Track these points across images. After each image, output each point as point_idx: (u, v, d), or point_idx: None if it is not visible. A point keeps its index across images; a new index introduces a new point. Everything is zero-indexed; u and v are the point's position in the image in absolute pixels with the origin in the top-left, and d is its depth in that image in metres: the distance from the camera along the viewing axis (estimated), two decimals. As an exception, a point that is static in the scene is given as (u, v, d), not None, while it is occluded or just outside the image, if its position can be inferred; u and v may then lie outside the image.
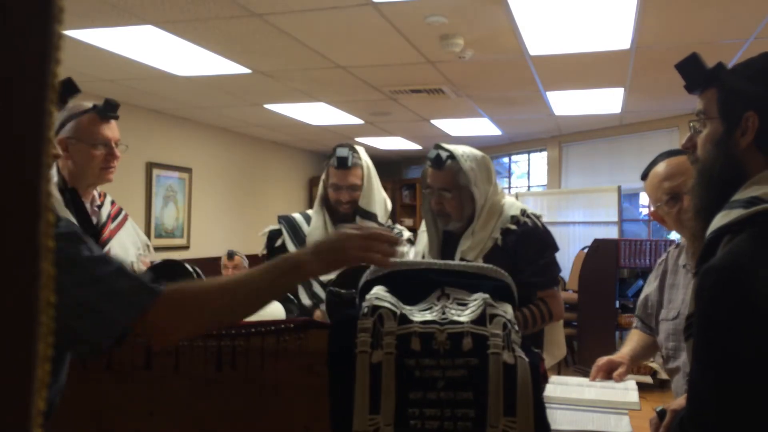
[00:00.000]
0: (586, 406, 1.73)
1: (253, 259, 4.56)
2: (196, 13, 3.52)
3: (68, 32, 3.83)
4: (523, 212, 2.15)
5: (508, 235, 2.11)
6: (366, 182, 2.29)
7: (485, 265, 1.11)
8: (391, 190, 9.71)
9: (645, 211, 7.68)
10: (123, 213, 2.11)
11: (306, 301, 2.22)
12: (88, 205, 1.98)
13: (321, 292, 2.16)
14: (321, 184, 2.37)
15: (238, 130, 7.68)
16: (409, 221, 9.68)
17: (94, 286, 0.94)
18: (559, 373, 3.50)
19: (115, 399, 1.08)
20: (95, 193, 2.03)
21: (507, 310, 1.01)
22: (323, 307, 1.86)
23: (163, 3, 3.36)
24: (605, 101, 5.88)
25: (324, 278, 2.11)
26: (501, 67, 4.73)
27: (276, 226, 2.37)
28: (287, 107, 6.22)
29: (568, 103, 5.98)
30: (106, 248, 1.96)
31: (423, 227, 2.34)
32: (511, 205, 2.18)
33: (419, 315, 1.00)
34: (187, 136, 7.00)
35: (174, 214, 6.76)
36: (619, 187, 7.12)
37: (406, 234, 2.41)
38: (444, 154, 2.14)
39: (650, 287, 2.06)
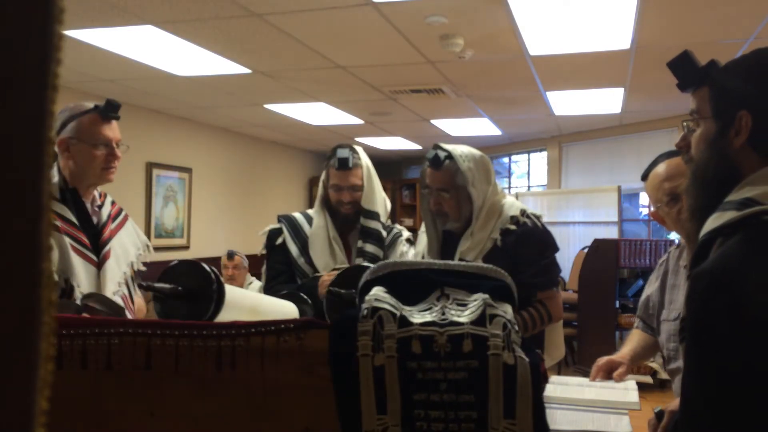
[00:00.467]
0: (586, 406, 1.73)
1: (253, 258, 4.56)
2: (196, 13, 3.52)
3: (68, 32, 3.83)
4: (523, 212, 2.15)
5: (508, 235, 2.11)
6: (367, 182, 2.29)
7: (485, 265, 1.11)
8: (391, 190, 9.71)
9: (645, 211, 7.69)
10: (123, 213, 2.12)
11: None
12: (88, 205, 1.99)
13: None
14: (321, 184, 2.36)
15: (238, 130, 7.68)
16: (409, 221, 9.68)
17: None
18: (559, 373, 3.50)
19: (115, 399, 1.08)
20: (96, 193, 2.03)
21: (507, 311, 1.01)
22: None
23: (163, 3, 3.36)
24: (605, 101, 5.89)
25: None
26: (501, 67, 4.73)
27: (276, 225, 2.37)
28: (287, 107, 6.22)
29: (568, 103, 5.98)
30: (107, 248, 1.96)
31: (423, 228, 2.34)
32: (511, 205, 2.18)
33: (419, 316, 1.00)
34: (187, 136, 7.00)
35: (174, 214, 6.76)
36: (619, 187, 7.12)
37: (406, 234, 2.41)
38: (442, 154, 2.14)
39: (651, 287, 2.06)
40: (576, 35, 3.92)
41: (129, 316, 1.92)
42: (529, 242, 2.10)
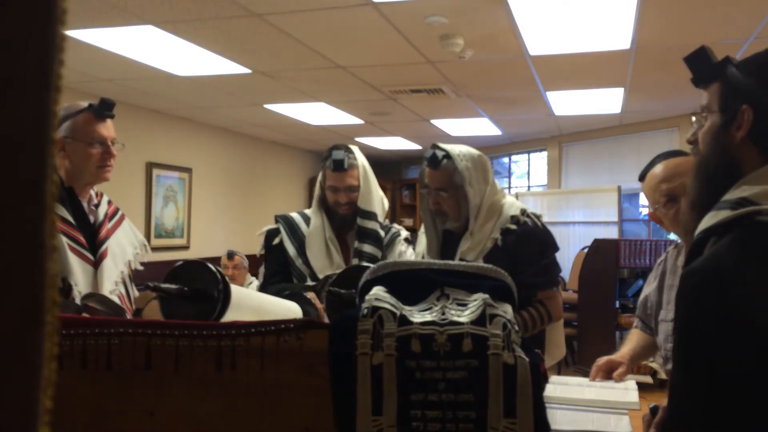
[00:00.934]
0: (586, 406, 1.73)
1: (252, 259, 4.56)
2: (196, 13, 3.52)
3: (68, 32, 3.83)
4: (523, 212, 2.15)
5: (508, 235, 2.11)
6: (363, 182, 2.28)
7: (485, 265, 1.11)
8: (390, 190, 9.72)
9: (645, 211, 7.69)
10: (120, 212, 2.12)
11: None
12: (85, 204, 1.99)
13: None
14: (317, 185, 2.36)
15: (238, 130, 7.68)
16: (408, 221, 9.69)
17: None
18: (559, 373, 3.50)
19: (115, 399, 1.08)
20: (92, 192, 2.03)
21: (507, 310, 1.01)
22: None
23: (163, 3, 3.36)
24: (605, 101, 5.89)
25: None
26: (501, 67, 4.73)
27: (274, 226, 2.37)
28: (287, 107, 6.22)
29: (568, 103, 5.98)
30: (104, 247, 1.96)
31: (422, 230, 2.34)
32: (511, 204, 2.18)
33: (419, 315, 1.00)
34: (187, 136, 7.00)
35: (174, 214, 6.76)
36: (619, 187, 7.12)
37: (404, 233, 2.41)
38: (440, 154, 2.14)
39: (650, 287, 2.06)
40: (576, 35, 3.92)
41: (127, 315, 1.92)
42: (530, 242, 2.10)
